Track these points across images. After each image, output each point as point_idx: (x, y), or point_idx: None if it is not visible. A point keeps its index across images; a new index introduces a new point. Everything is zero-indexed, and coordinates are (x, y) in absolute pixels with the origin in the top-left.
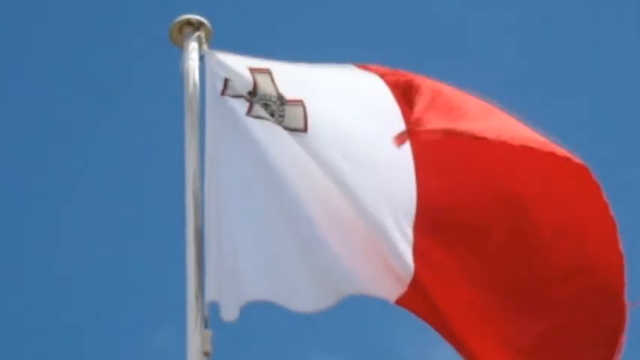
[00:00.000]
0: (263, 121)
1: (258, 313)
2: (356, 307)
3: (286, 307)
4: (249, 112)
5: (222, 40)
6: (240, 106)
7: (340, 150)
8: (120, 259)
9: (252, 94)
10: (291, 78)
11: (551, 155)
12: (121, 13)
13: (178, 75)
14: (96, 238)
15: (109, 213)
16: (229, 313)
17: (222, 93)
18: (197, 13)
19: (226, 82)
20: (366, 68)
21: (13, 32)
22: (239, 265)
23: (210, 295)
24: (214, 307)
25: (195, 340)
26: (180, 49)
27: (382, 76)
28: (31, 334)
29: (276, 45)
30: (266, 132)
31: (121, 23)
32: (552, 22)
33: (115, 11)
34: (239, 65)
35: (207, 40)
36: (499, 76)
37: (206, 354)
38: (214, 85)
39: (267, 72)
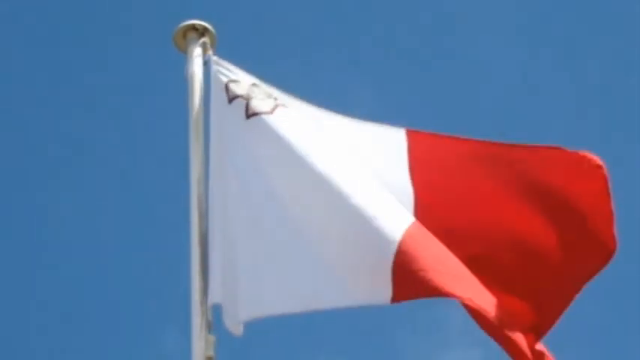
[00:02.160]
0: (263, 118)
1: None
2: (362, 310)
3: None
4: (247, 113)
5: (227, 46)
6: (240, 109)
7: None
8: (125, 263)
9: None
10: (292, 116)
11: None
12: (125, 18)
13: (182, 80)
14: (101, 243)
15: (115, 217)
16: (233, 321)
17: (226, 97)
18: (201, 19)
19: (228, 85)
20: (416, 142)
21: (14, 39)
22: (242, 277)
23: (213, 297)
24: (218, 311)
25: (200, 345)
26: (184, 54)
27: (414, 163)
28: (37, 338)
29: (280, 51)
30: (269, 131)
31: (125, 28)
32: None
33: (119, 16)
34: (243, 75)
35: (212, 46)
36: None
37: (209, 359)
38: (218, 91)
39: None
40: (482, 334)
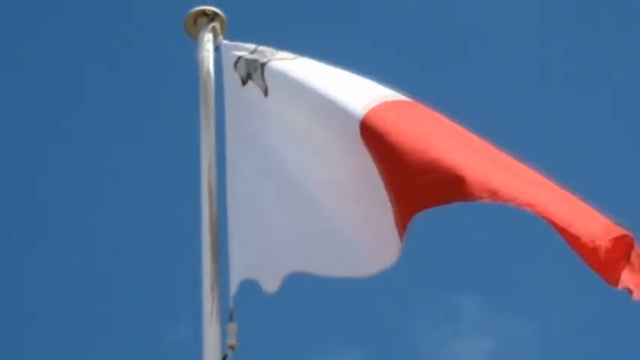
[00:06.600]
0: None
1: (274, 302)
2: (375, 300)
3: (326, 275)
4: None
5: (237, 31)
6: (242, 87)
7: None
8: (137, 252)
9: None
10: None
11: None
12: (136, 5)
13: (193, 66)
14: (112, 231)
15: (125, 204)
16: (270, 285)
17: (239, 80)
18: (212, 4)
19: (237, 67)
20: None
21: (24, 24)
22: (275, 240)
23: (243, 274)
24: (241, 300)
25: (212, 332)
26: (195, 40)
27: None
28: (47, 330)
29: (291, 36)
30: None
31: (136, 14)
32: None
33: (130, 3)
34: (248, 47)
35: (222, 31)
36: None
37: (231, 347)
38: (230, 76)
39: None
40: (494, 324)
